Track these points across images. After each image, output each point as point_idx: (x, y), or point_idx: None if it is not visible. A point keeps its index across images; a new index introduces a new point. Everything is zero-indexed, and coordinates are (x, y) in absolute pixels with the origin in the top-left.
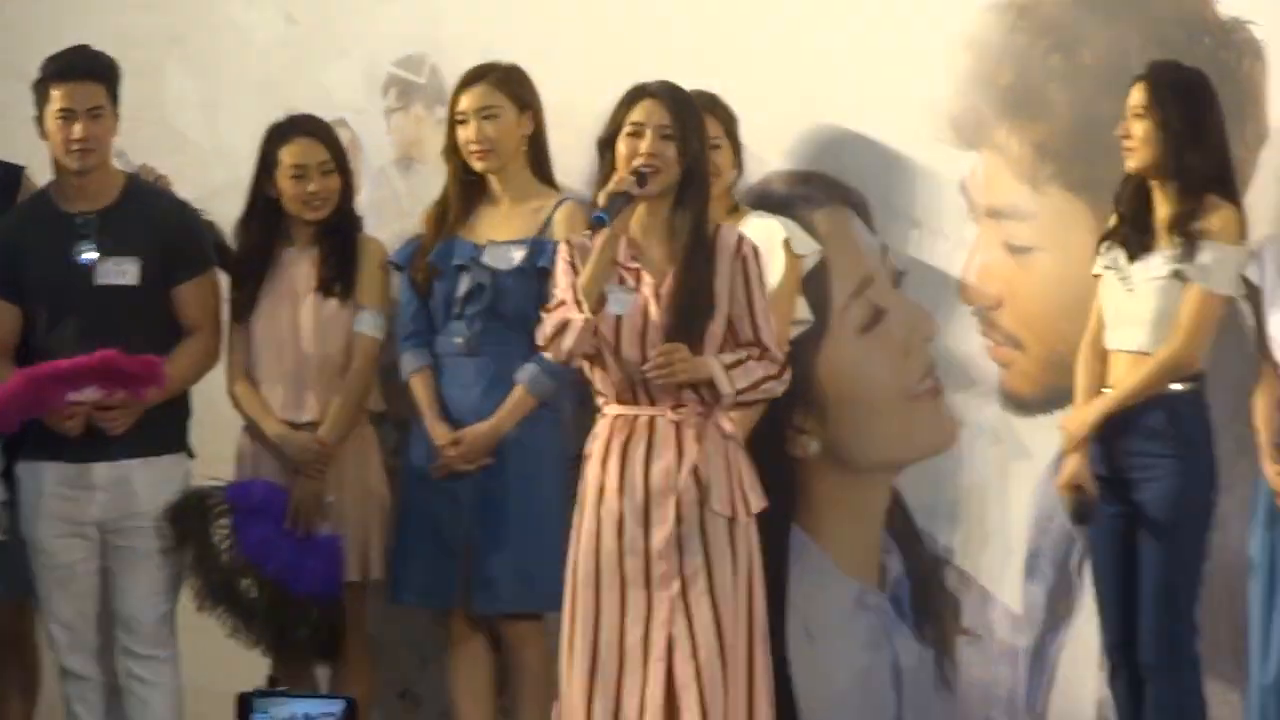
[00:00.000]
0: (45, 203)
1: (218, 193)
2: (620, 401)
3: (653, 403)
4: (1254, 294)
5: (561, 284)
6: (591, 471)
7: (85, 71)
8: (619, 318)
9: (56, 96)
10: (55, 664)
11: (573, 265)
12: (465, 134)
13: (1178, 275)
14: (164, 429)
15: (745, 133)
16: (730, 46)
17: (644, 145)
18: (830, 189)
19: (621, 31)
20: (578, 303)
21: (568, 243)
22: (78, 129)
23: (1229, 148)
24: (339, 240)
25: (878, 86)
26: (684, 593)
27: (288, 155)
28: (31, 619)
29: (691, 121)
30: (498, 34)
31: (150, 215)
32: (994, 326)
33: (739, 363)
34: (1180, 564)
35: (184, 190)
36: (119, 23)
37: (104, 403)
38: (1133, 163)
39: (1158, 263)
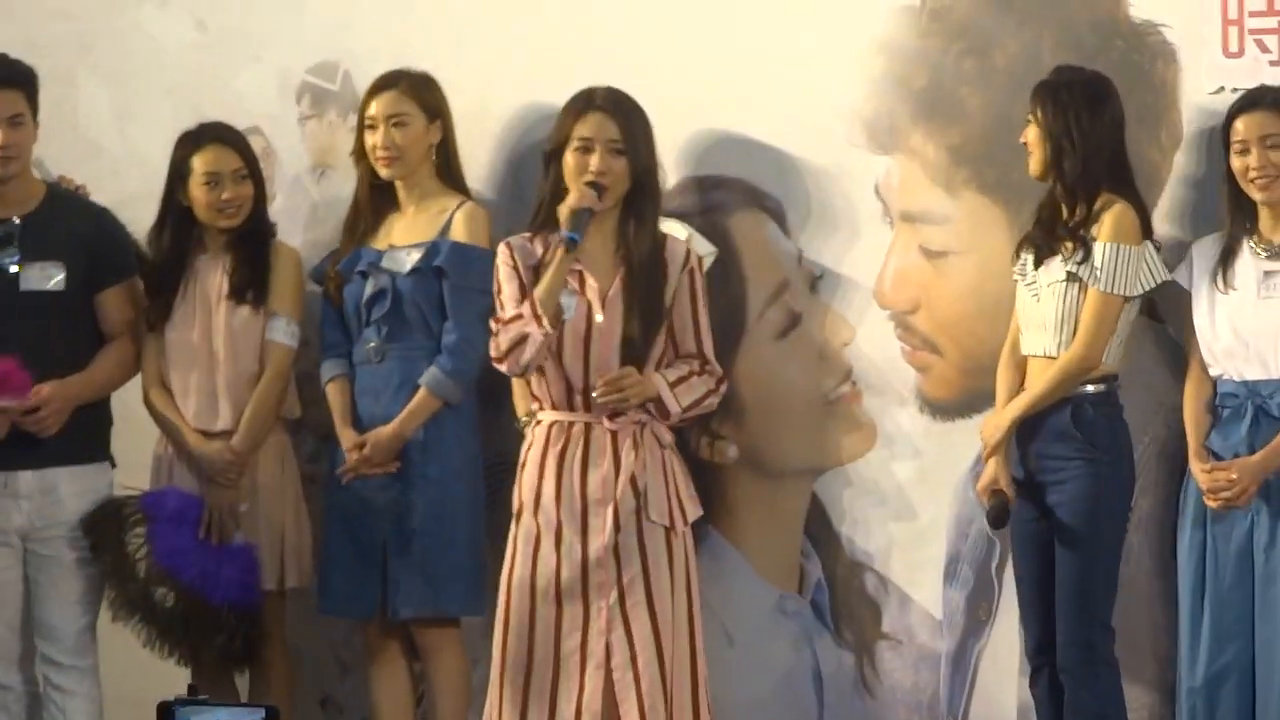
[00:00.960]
0: None
1: (131, 200)
2: (555, 408)
3: (589, 410)
4: (1179, 295)
5: (506, 290)
6: (528, 479)
7: (4, 79)
8: (562, 323)
9: None
10: None
11: (516, 269)
12: (373, 139)
13: (1072, 278)
14: (88, 436)
15: (658, 138)
16: (640, 51)
17: (594, 162)
18: (745, 194)
19: (532, 37)
20: (536, 316)
21: (507, 245)
22: None
23: (1124, 148)
24: (251, 248)
25: (791, 90)
26: (621, 602)
27: (200, 163)
28: None
29: (640, 133)
30: (411, 41)
31: (73, 222)
32: (911, 331)
33: (682, 379)
34: (1095, 567)
35: (98, 198)
36: (29, 31)
37: (24, 406)
38: (1032, 169)
39: (1056, 267)
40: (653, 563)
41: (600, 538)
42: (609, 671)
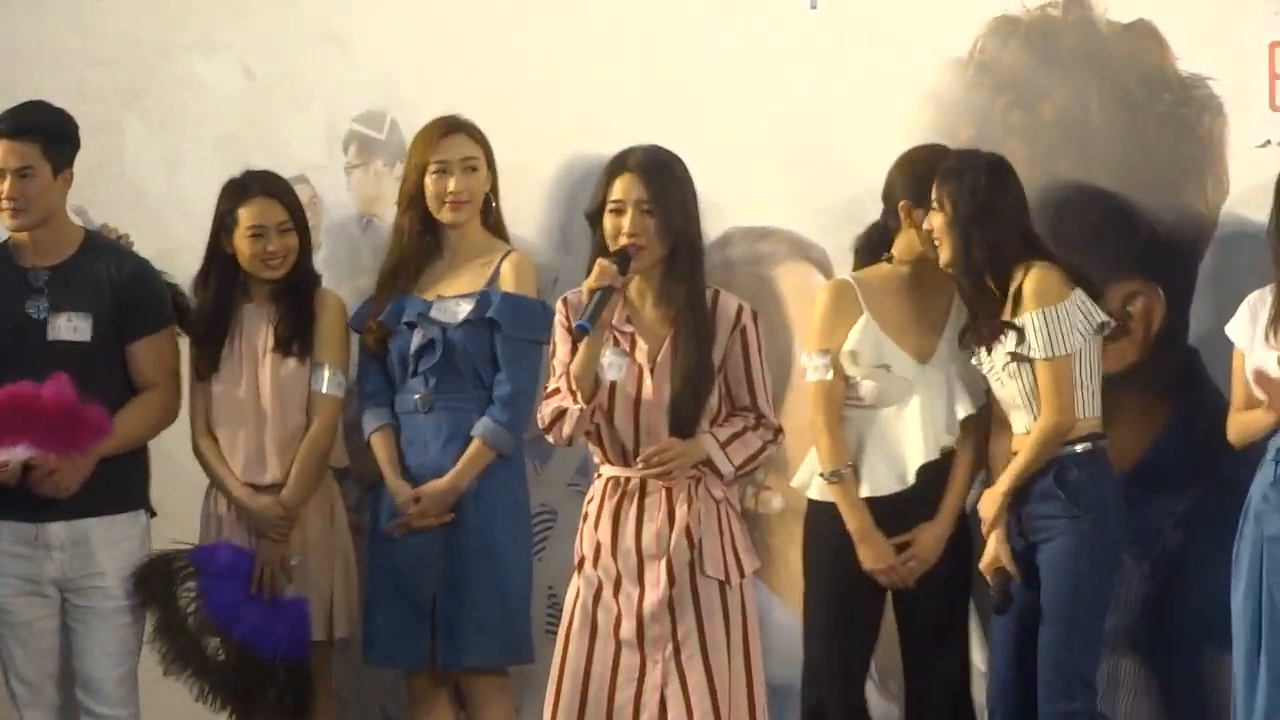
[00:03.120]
0: (3, 258)
1: (177, 249)
2: (611, 464)
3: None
4: (1224, 347)
5: (559, 352)
6: (587, 531)
7: (13, 131)
8: (613, 384)
9: None
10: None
11: (569, 330)
12: (442, 185)
13: (1017, 359)
14: (120, 486)
15: (703, 189)
16: (687, 103)
17: (625, 224)
18: (791, 245)
19: (581, 88)
20: (572, 392)
21: (564, 301)
22: (4, 187)
23: (1029, 220)
24: (296, 298)
25: (838, 141)
26: (676, 655)
27: (246, 215)
28: None
29: (673, 193)
30: (458, 90)
31: (105, 271)
32: None
33: (736, 435)
34: (1074, 624)
35: (142, 246)
36: (77, 77)
37: (36, 463)
38: (940, 258)
39: (1000, 352)
40: (707, 616)
41: (655, 591)
42: None
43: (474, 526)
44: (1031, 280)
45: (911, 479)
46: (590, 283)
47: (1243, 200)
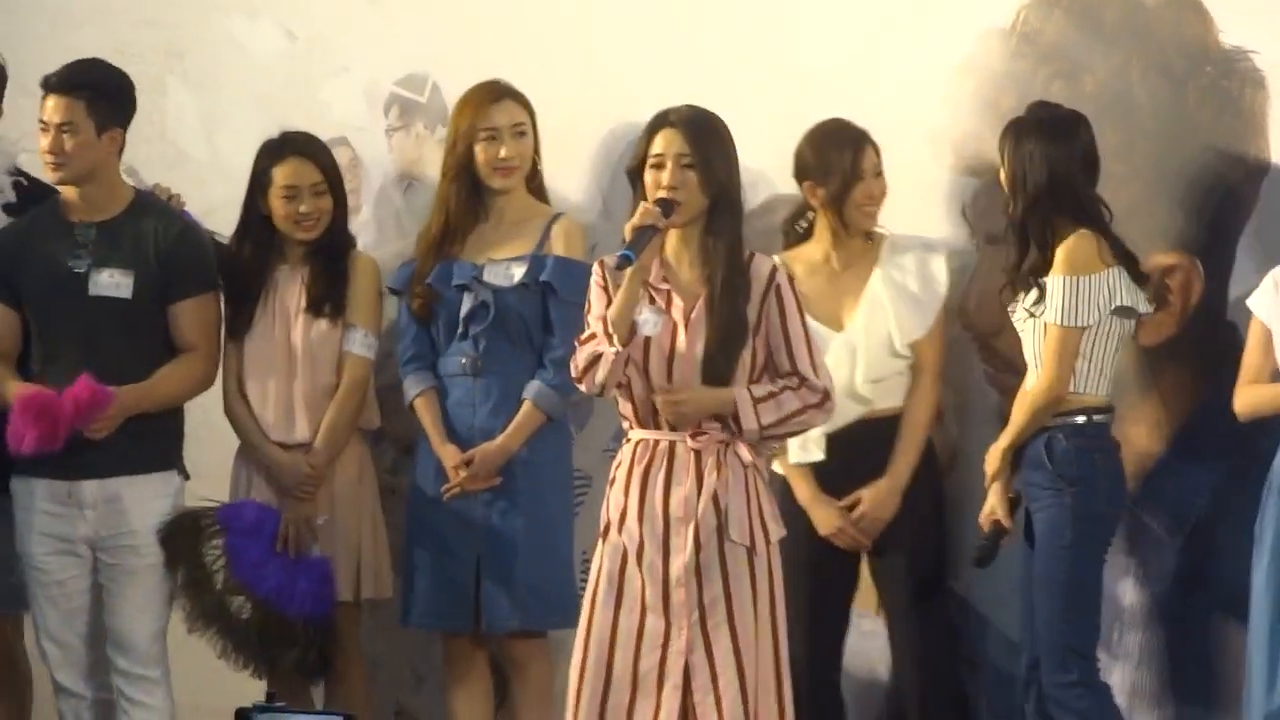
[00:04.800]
0: (54, 212)
1: (217, 209)
2: (642, 426)
3: (674, 428)
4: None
5: (595, 309)
6: (614, 496)
7: (59, 86)
8: (648, 339)
9: (40, 108)
10: (50, 677)
11: (605, 289)
12: (494, 151)
13: (1031, 315)
14: (153, 447)
15: (745, 157)
16: (727, 71)
17: (665, 177)
18: None
19: (621, 53)
20: (608, 335)
21: (600, 263)
22: (44, 142)
23: (1090, 183)
24: (330, 260)
25: (879, 110)
26: (703, 622)
27: (280, 175)
28: (21, 629)
29: (715, 147)
30: (500, 54)
31: (151, 231)
32: (994, 353)
33: (771, 395)
34: (1064, 595)
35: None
36: (119, 38)
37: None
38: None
39: (1019, 306)
40: (734, 583)
41: (681, 557)
42: (688, 694)
43: (523, 489)
44: (1067, 246)
45: (822, 447)
46: (635, 221)
47: None
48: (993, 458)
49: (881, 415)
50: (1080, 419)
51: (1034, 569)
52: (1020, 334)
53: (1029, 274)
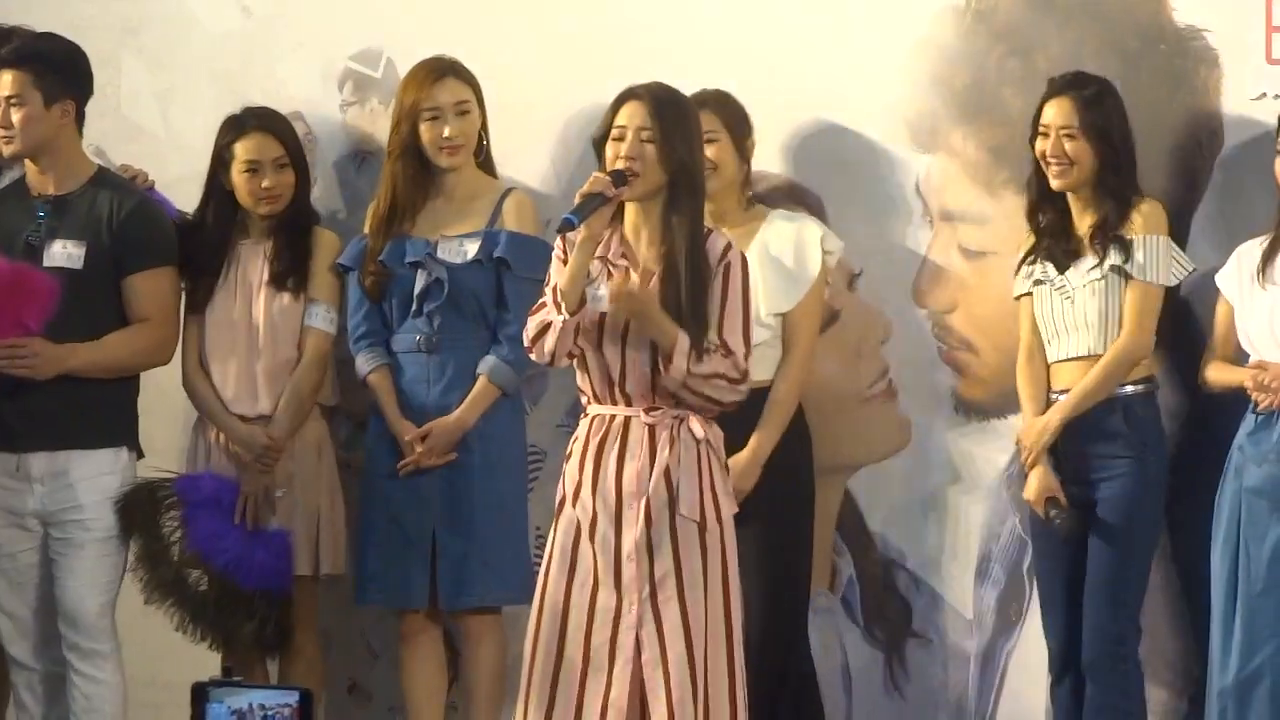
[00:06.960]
0: (20, 184)
1: (172, 184)
2: (598, 401)
3: (629, 404)
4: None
5: (553, 280)
6: (570, 470)
7: (4, 59)
8: (603, 315)
9: None
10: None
11: (565, 261)
12: (437, 131)
13: (1118, 272)
14: (103, 420)
15: None
16: (683, 48)
17: (623, 148)
18: (785, 191)
19: (577, 30)
20: (557, 304)
21: (562, 236)
22: None
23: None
24: (292, 235)
25: (833, 88)
26: (653, 597)
27: (242, 150)
28: None
29: (677, 123)
30: (454, 29)
31: (106, 204)
32: (948, 330)
33: (705, 350)
34: (1131, 564)
35: None
36: (74, 13)
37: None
38: (1064, 181)
39: (1088, 267)
40: (685, 559)
41: (633, 531)
42: (638, 668)
43: (478, 464)
44: (1148, 210)
45: None
46: (585, 189)
47: (1237, 153)
48: (1044, 431)
49: (752, 387)
50: (1150, 386)
51: (1098, 544)
52: (1064, 299)
53: (1110, 232)
